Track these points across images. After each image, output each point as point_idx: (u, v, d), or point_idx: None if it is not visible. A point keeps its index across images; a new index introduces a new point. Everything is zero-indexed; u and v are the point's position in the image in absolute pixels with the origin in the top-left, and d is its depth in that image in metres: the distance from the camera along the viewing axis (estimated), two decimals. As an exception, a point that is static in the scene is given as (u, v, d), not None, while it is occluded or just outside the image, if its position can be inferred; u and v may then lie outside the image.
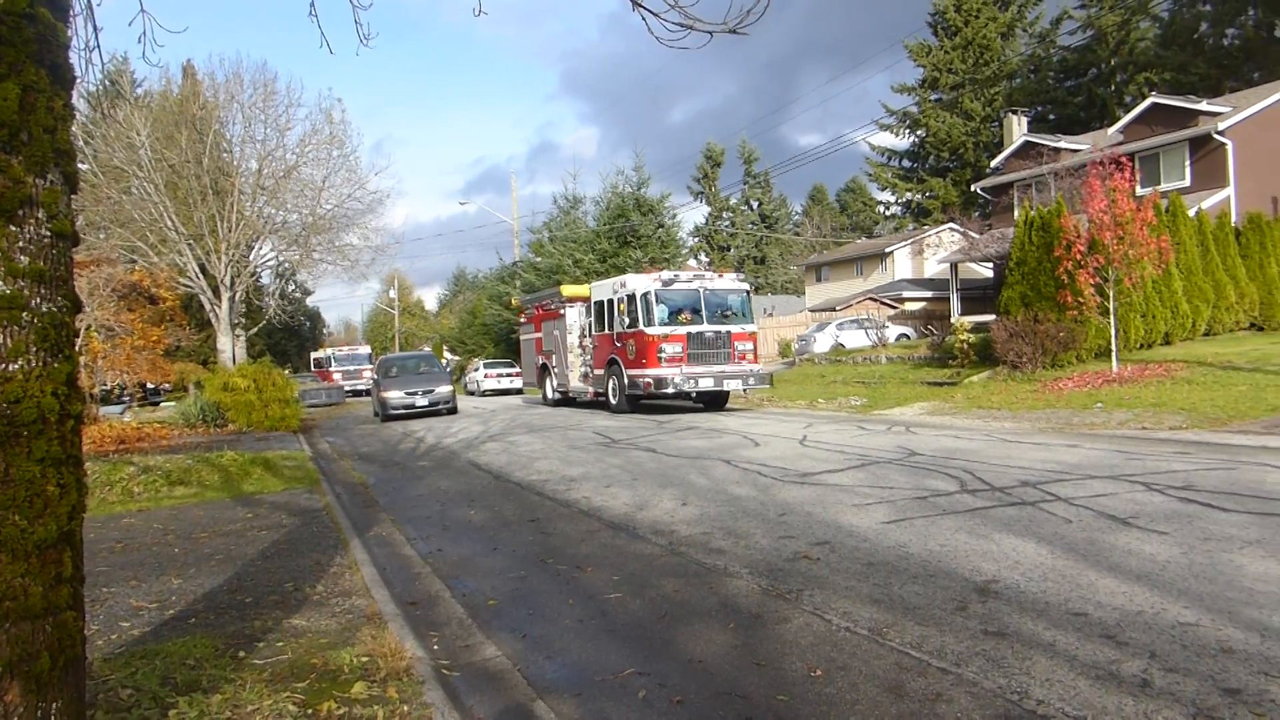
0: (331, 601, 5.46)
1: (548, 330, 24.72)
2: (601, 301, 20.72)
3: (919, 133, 51.55)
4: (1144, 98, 33.80)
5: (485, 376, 38.03)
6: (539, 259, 43.48)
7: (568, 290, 23.43)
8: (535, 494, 9.53)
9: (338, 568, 6.35)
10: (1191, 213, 22.51)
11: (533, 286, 41.54)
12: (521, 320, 28.19)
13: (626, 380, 19.05)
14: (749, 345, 19.19)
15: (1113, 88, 47.08)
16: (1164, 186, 28.41)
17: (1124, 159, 19.60)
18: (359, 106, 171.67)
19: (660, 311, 18.53)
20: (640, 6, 6.04)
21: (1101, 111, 46.14)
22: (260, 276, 31.52)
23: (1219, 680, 3.57)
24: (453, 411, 23.92)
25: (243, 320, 30.55)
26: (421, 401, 23.31)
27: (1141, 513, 6.57)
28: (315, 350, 59.10)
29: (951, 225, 46.78)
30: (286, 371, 32.03)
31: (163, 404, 33.50)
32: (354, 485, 11.49)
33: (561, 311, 23.47)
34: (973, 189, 37.66)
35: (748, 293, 19.91)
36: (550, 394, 24.68)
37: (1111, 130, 33.58)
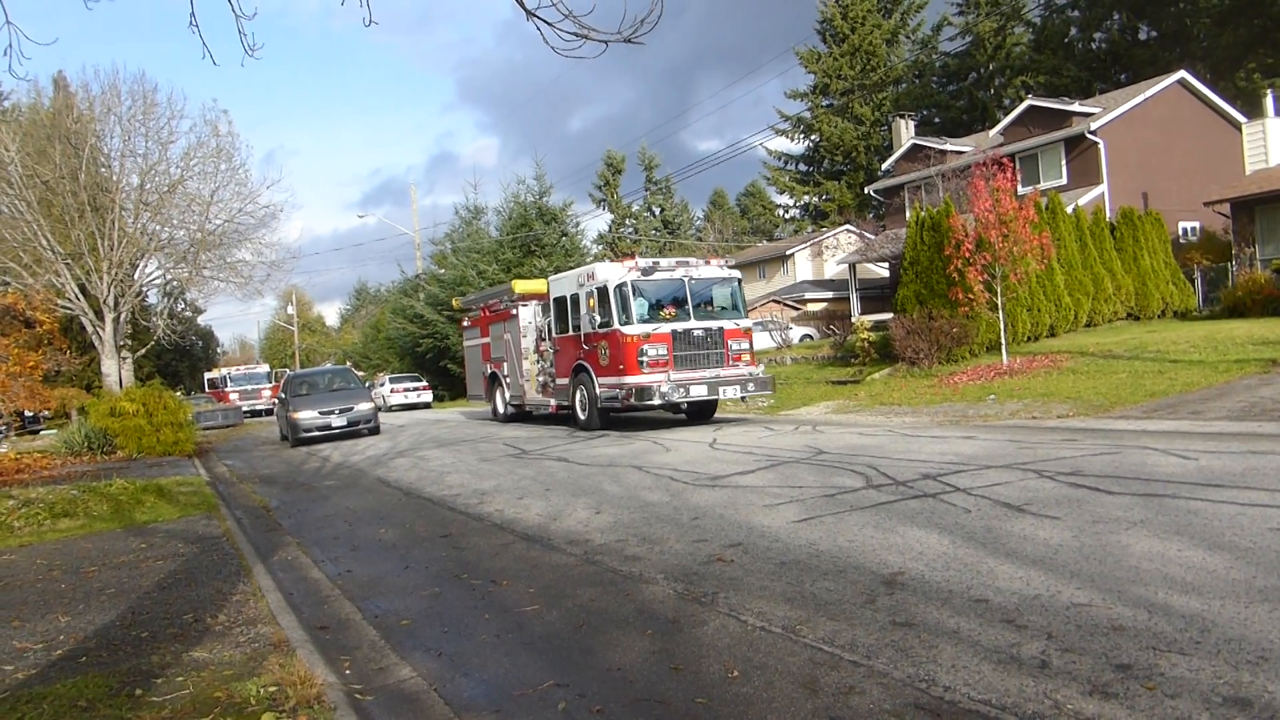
0: (235, 631, 5.26)
1: (497, 334, 21.54)
2: (563, 298, 17.65)
3: (813, 137, 52.88)
4: (1021, 100, 35.47)
5: (391, 391, 37.25)
6: (442, 271, 42.87)
7: (521, 286, 20.06)
8: (447, 509, 9.39)
9: (241, 595, 6.12)
10: (1069, 210, 23.73)
11: (437, 299, 40.87)
12: (465, 324, 24.84)
13: (599, 390, 16.03)
14: (745, 344, 16.27)
15: (992, 91, 49.20)
16: (1043, 185, 29.87)
17: (1005, 160, 20.54)
18: (248, 118, 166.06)
19: (639, 307, 15.47)
20: (535, 17, 6.04)
21: (983, 114, 48.19)
22: (146, 296, 30.12)
23: (1111, 657, 3.76)
24: (375, 432, 21.18)
25: (129, 342, 29.13)
26: (339, 422, 20.39)
27: (1035, 499, 6.88)
28: (209, 371, 56.83)
29: (848, 227, 48.14)
30: (179, 394, 30.64)
31: (43, 432, 31.69)
32: (256, 509, 11.09)
33: (513, 311, 20.25)
34: (867, 191, 38.86)
35: (738, 282, 16.87)
36: (502, 408, 21.48)
37: (993, 132, 35.12)
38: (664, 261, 15.96)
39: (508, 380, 20.99)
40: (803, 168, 57.14)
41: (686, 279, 15.88)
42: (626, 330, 15.22)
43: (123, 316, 25.84)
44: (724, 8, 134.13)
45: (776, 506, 7.60)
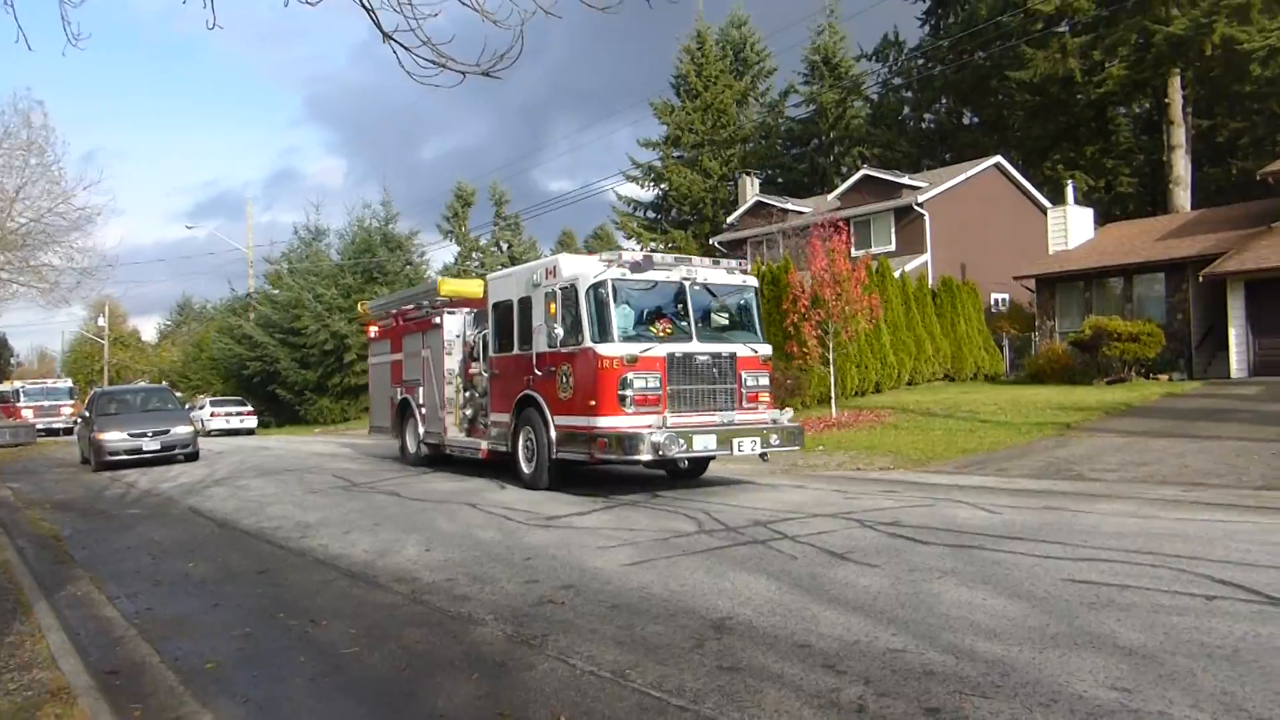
0: (6, 677, 4.72)
1: (412, 349, 16.49)
2: (507, 303, 12.72)
3: (663, 186, 54.26)
4: (857, 169, 37.78)
5: (212, 415, 35.02)
6: (277, 291, 40.97)
7: (449, 287, 15.67)
8: (266, 542, 8.84)
9: (17, 636, 5.52)
10: (897, 274, 25.41)
11: (269, 320, 38.96)
12: (371, 334, 19.25)
13: (554, 434, 11.26)
14: (764, 379, 11.68)
15: (832, 158, 52.13)
16: (874, 250, 31.82)
17: (841, 223, 21.83)
18: (68, 113, 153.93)
19: (622, 318, 10.84)
20: (391, 39, 5.92)
21: (823, 178, 50.91)
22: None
23: (922, 701, 3.94)
24: (193, 458, 19.18)
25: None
26: (152, 445, 18.37)
27: (856, 547, 7.19)
28: (0, 383, 51.60)
29: (693, 275, 49.34)
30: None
31: None
32: (44, 538, 10.06)
33: (435, 320, 15.28)
34: (711, 242, 40.16)
35: (755, 292, 12.21)
36: (413, 447, 16.27)
37: (831, 196, 37.21)
38: (658, 256, 11.40)
39: (423, 411, 15.76)
40: (651, 215, 58.43)
41: (688, 283, 11.27)
42: (604, 350, 10.47)
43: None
44: (584, 53, 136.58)
45: (610, 549, 7.60)
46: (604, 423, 10.38)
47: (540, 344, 11.56)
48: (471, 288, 15.48)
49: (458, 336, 15.06)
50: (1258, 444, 12.32)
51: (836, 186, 38.55)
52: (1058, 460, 12.47)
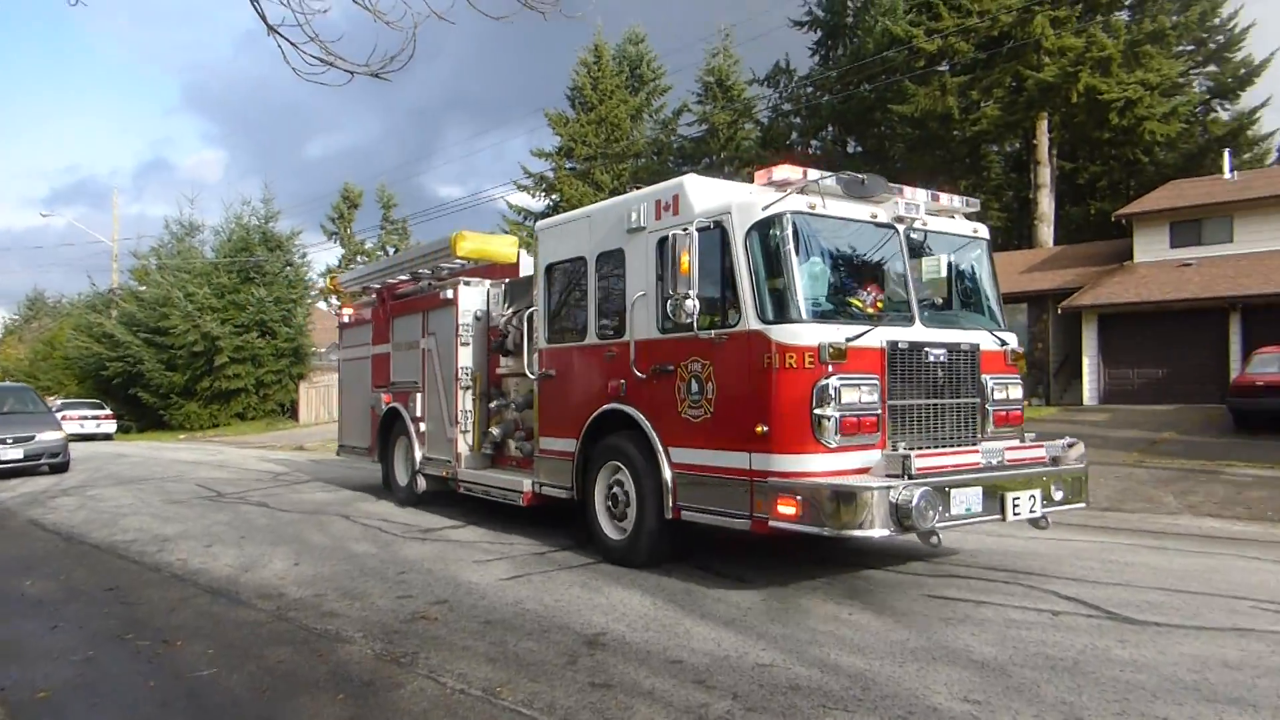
0: None
1: (405, 337, 11.63)
2: (576, 264, 8.29)
3: (554, 196, 54.22)
4: (747, 192, 38.58)
5: (64, 419, 32.74)
6: (143, 288, 38.82)
7: (470, 245, 10.55)
8: (119, 557, 8.32)
9: None
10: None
11: (133, 318, 36.85)
12: (343, 319, 13.98)
13: (671, 477, 6.90)
14: (1015, 389, 7.30)
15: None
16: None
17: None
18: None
19: (812, 280, 6.49)
20: (276, 33, 5.73)
21: (714, 199, 51.77)
22: None
23: (788, 715, 4.03)
24: (62, 469, 17.05)
25: None
26: (13, 454, 15.93)
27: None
28: None
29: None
30: None
31: None
32: None
33: (445, 295, 10.49)
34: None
35: (988, 247, 7.73)
36: (405, 478, 11.45)
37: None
38: (854, 181, 6.67)
39: (422, 427, 11.01)
40: (543, 226, 58.22)
41: (901, 227, 6.91)
42: (784, 335, 6.13)
43: None
44: (480, 59, 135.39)
45: (487, 563, 7.50)
46: (787, 464, 6.01)
47: (645, 326, 7.23)
48: (502, 248, 10.98)
49: (478, 319, 10.33)
50: (1103, 468, 13.15)
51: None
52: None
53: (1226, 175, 26.94)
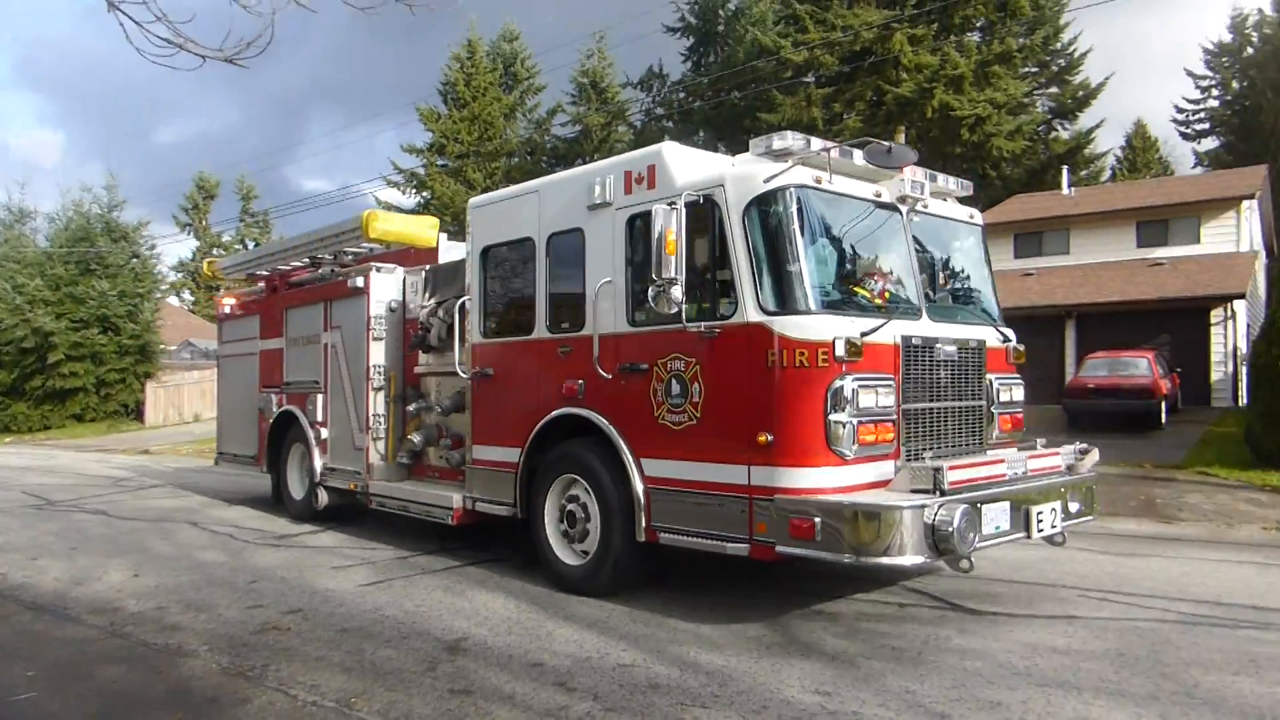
0: None
1: (303, 330, 10.30)
2: (521, 245, 7.14)
3: (425, 194, 53.09)
4: (620, 193, 38.84)
5: None
6: (-35, 278, 35.64)
7: (384, 226, 9.37)
8: (-72, 572, 7.62)
9: None
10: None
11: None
12: (225, 310, 12.23)
13: (642, 491, 5.94)
14: (1018, 389, 6.91)
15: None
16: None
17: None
18: None
19: (820, 265, 5.61)
20: (118, 10, 5.36)
21: (587, 199, 51.86)
22: None
23: (646, 714, 4.06)
24: None
25: None
26: None
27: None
28: None
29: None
30: None
31: None
32: None
33: (355, 284, 9.13)
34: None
35: (983, 234, 7.12)
36: (302, 491, 10.11)
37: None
38: (858, 154, 5.99)
39: (324, 433, 9.68)
40: (413, 222, 56.93)
41: (905, 209, 6.21)
42: (790, 328, 5.28)
43: None
44: (349, 49, 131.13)
45: (346, 569, 7.26)
46: (797, 478, 5.19)
47: (611, 318, 6.25)
48: (423, 230, 9.70)
49: (393, 310, 9.11)
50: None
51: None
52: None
53: (1065, 191, 29.01)
